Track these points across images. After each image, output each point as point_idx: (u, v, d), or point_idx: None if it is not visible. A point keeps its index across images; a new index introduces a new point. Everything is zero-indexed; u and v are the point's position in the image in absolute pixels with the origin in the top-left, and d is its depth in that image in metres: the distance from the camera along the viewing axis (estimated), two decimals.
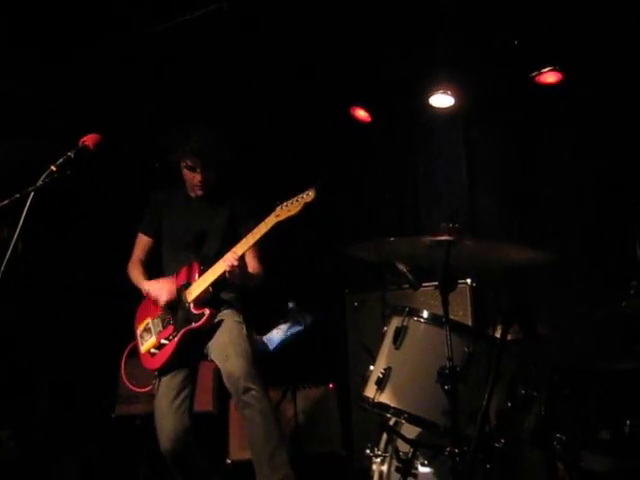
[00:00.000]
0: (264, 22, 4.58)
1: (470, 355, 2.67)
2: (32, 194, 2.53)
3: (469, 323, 4.19)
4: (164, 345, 3.48)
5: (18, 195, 2.54)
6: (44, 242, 4.65)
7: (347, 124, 5.14)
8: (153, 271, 3.75)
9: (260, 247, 3.55)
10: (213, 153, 3.55)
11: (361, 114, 5.14)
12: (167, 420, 3.41)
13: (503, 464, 2.63)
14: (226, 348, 3.40)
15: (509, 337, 2.60)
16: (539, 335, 2.67)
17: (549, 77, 4.66)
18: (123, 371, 3.64)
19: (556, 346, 2.88)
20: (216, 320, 3.48)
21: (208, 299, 3.47)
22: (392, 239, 2.63)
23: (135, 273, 3.71)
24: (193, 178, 3.59)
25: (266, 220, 3.29)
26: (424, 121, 5.17)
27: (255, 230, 3.33)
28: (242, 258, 3.38)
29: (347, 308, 4.72)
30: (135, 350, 3.65)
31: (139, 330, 3.66)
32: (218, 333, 3.46)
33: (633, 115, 4.44)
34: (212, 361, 3.50)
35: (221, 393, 4.69)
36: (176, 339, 3.43)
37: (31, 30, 4.28)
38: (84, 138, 2.74)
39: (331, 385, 4.59)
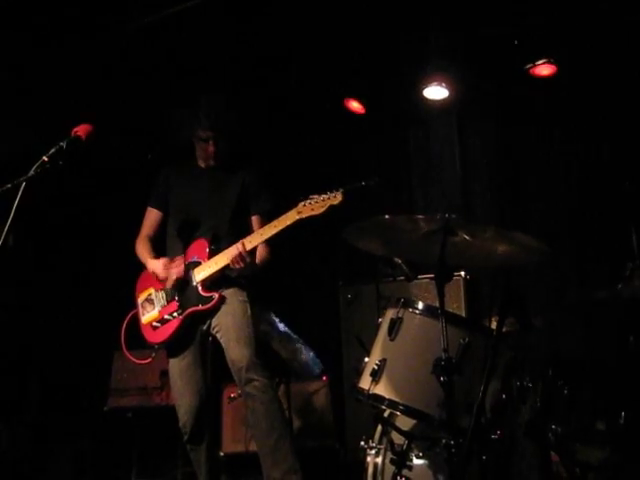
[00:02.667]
0: (258, 13, 4.56)
1: (466, 347, 2.66)
2: (24, 184, 2.50)
3: (463, 315, 4.18)
4: (167, 321, 3.43)
5: (9, 185, 2.51)
6: (36, 234, 4.62)
7: (341, 115, 5.13)
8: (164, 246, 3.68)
9: (265, 224, 3.46)
10: (224, 122, 3.48)
11: (355, 106, 5.13)
12: (184, 400, 3.40)
13: (498, 455, 2.63)
14: (230, 332, 3.35)
15: (504, 329, 2.59)
16: (534, 326, 2.66)
17: (543, 69, 4.66)
18: (123, 341, 3.54)
19: (551, 338, 2.88)
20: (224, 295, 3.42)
21: (216, 280, 3.40)
22: (387, 216, 2.59)
23: (142, 250, 3.62)
24: (206, 149, 3.52)
25: (287, 215, 3.22)
26: (418, 112, 5.17)
27: (273, 223, 3.26)
28: (251, 251, 3.33)
29: (341, 300, 4.71)
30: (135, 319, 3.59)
31: (140, 299, 3.57)
32: (223, 312, 3.39)
33: (624, 103, 4.44)
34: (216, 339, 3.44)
35: (214, 385, 4.69)
36: (181, 317, 3.38)
37: (22, 15, 4.23)
38: (76, 128, 2.72)
39: (324, 377, 4.59)
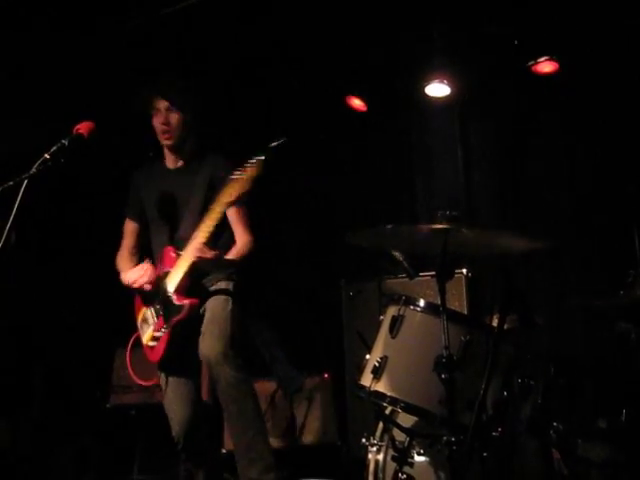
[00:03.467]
0: (259, 10, 4.56)
1: (467, 344, 2.66)
2: (25, 182, 2.50)
3: (465, 312, 4.18)
4: (158, 338, 3.34)
5: (11, 183, 2.51)
6: (39, 231, 4.63)
7: (343, 112, 5.13)
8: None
9: (244, 213, 3.36)
10: (177, 94, 3.37)
11: (357, 103, 5.12)
12: (176, 409, 3.34)
13: (500, 453, 2.63)
14: (205, 326, 3.24)
15: (506, 326, 2.59)
16: (536, 324, 2.66)
17: (545, 66, 4.65)
18: (129, 363, 3.50)
19: (552, 335, 2.88)
20: (209, 290, 3.32)
21: (190, 287, 3.26)
22: (390, 227, 2.60)
23: (120, 263, 3.53)
24: (158, 122, 3.38)
25: (217, 203, 3.08)
26: (420, 109, 5.17)
27: (209, 215, 3.12)
28: (217, 245, 3.22)
29: (343, 297, 4.71)
30: (139, 341, 3.52)
31: (139, 320, 3.51)
32: (206, 312, 3.30)
33: (627, 100, 4.44)
34: None
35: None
36: (167, 331, 3.28)
37: (23, 13, 4.23)
38: (78, 126, 2.72)
39: (326, 375, 4.59)
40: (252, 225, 3.39)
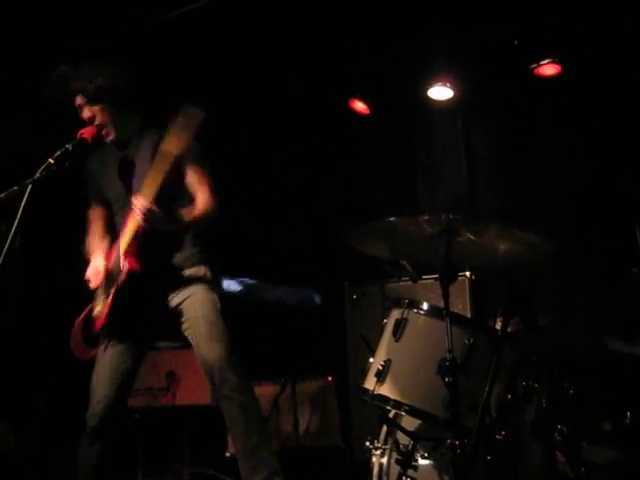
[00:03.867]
0: (263, 13, 4.57)
1: (470, 347, 2.66)
2: (29, 187, 2.51)
3: (468, 315, 4.18)
4: (104, 305, 3.14)
5: (15, 188, 2.52)
6: (44, 238, 4.64)
7: (346, 115, 5.14)
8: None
9: (202, 173, 3.14)
10: (86, 82, 3.10)
11: (360, 106, 5.13)
12: (100, 391, 3.13)
13: (504, 456, 2.63)
14: (199, 327, 3.08)
15: (509, 328, 2.59)
16: (539, 326, 2.66)
17: (548, 69, 4.67)
18: (79, 334, 3.24)
19: (556, 337, 2.88)
20: (185, 274, 3.13)
21: (138, 251, 3.03)
22: (392, 219, 2.59)
23: (90, 248, 3.31)
24: (86, 120, 3.14)
25: (159, 156, 2.86)
26: (423, 112, 5.18)
27: (154, 169, 2.89)
28: (163, 204, 2.94)
29: (346, 301, 4.71)
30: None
31: (96, 295, 3.29)
32: (188, 306, 3.11)
33: (630, 102, 4.44)
34: (183, 331, 3.16)
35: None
36: (110, 297, 3.09)
37: (27, 15, 4.24)
38: (82, 130, 2.73)
39: (330, 378, 4.59)
40: (214, 187, 3.15)
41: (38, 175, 2.55)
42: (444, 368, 2.52)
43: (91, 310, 3.26)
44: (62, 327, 5.01)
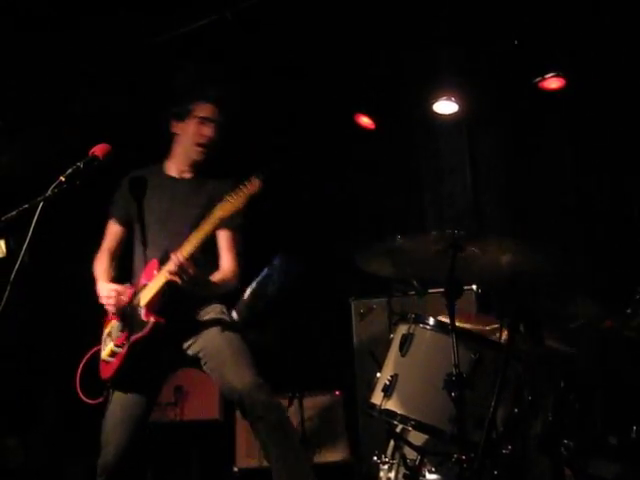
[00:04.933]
0: (267, 30, 4.61)
1: (476, 362, 2.68)
2: (41, 204, 2.54)
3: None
4: (116, 354, 3.08)
5: (27, 205, 2.55)
6: (52, 252, 4.67)
7: (351, 130, 5.17)
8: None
9: (237, 240, 3.16)
10: (229, 112, 3.19)
11: (365, 121, 5.16)
12: (114, 437, 3.10)
13: (510, 470, 2.63)
14: (220, 357, 3.01)
15: (515, 343, 2.60)
16: (544, 341, 2.68)
17: (552, 83, 4.68)
18: (78, 378, 3.22)
19: (562, 352, 2.89)
20: (202, 319, 3.10)
21: (162, 305, 3.03)
22: (398, 238, 2.61)
23: (98, 268, 3.27)
24: (201, 131, 3.19)
25: (210, 218, 2.90)
26: (428, 127, 5.21)
27: (198, 230, 2.93)
28: (192, 263, 2.93)
29: (353, 315, 4.72)
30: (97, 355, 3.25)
31: (104, 334, 3.24)
32: (207, 342, 3.05)
33: (635, 117, 4.45)
34: (205, 371, 3.08)
35: (227, 400, 4.71)
36: (125, 348, 3.03)
37: (33, 30, 4.29)
38: (94, 148, 2.75)
39: (337, 392, 4.59)
40: (242, 255, 3.19)
41: (49, 193, 2.57)
42: (450, 383, 2.54)
43: (97, 352, 3.23)
44: (69, 342, 5.06)
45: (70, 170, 2.63)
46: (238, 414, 4.62)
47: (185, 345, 3.11)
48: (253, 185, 2.82)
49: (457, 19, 4.50)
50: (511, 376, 2.67)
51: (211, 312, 3.15)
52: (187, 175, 3.29)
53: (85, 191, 2.67)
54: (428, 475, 2.79)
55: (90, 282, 5.08)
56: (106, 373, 3.12)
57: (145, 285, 3.08)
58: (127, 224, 3.31)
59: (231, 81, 3.39)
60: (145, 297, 3.04)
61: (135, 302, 3.08)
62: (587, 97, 4.65)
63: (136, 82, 4.71)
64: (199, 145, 3.23)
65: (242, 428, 4.62)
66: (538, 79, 4.68)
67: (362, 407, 4.38)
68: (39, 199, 2.55)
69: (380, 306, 4.47)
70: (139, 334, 3.00)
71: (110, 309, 3.15)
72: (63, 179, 2.61)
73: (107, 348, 3.15)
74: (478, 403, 2.62)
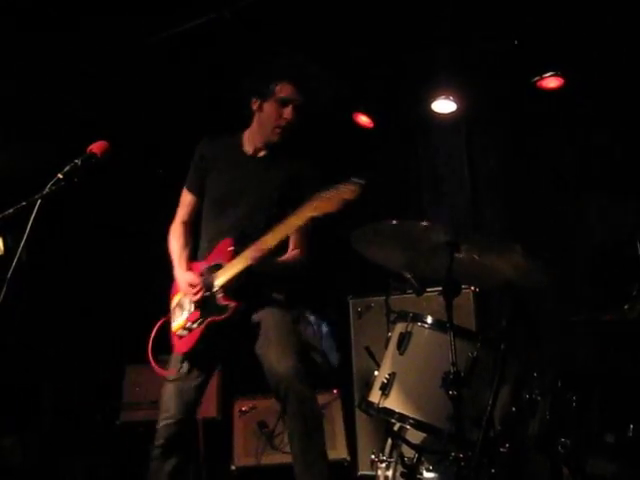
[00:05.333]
0: (266, 29, 4.61)
1: (474, 360, 2.68)
2: (39, 202, 2.53)
3: (473, 328, 4.19)
4: (190, 330, 3.11)
5: (24, 203, 2.54)
6: (49, 250, 4.67)
7: (350, 129, 5.17)
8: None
9: (305, 230, 3.11)
10: (316, 89, 3.15)
11: (363, 120, 5.16)
12: (172, 404, 3.09)
13: (508, 469, 2.64)
14: (269, 340, 3.05)
15: (513, 342, 2.60)
16: (542, 340, 2.68)
17: (551, 82, 4.69)
18: (150, 350, 3.19)
19: (559, 351, 2.89)
20: (258, 305, 3.11)
21: (238, 287, 3.04)
22: (394, 222, 2.61)
23: (173, 246, 3.27)
24: (280, 114, 3.11)
25: (300, 212, 2.86)
26: (426, 126, 5.20)
27: (287, 221, 2.91)
28: (274, 252, 2.99)
29: (351, 313, 4.72)
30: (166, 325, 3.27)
31: (173, 304, 3.25)
32: (265, 324, 3.08)
33: (634, 117, 4.45)
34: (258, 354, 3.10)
35: (225, 399, 4.71)
36: (201, 327, 3.06)
37: (33, 30, 4.28)
38: (91, 145, 2.74)
39: (335, 391, 4.60)
40: (311, 241, 3.20)
41: (47, 190, 2.56)
42: (448, 382, 2.54)
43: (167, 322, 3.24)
44: (67, 342, 5.07)
45: (68, 167, 2.61)
46: (236, 413, 4.64)
47: (251, 319, 3.12)
48: (351, 190, 2.75)
49: (456, 18, 4.50)
50: (509, 375, 2.67)
51: (276, 295, 3.16)
52: (262, 153, 3.23)
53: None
54: (426, 473, 2.80)
55: (89, 282, 5.12)
56: (181, 347, 3.14)
57: (219, 264, 3.08)
58: (199, 195, 3.27)
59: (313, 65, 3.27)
60: (221, 279, 3.04)
61: (209, 281, 3.08)
62: (586, 96, 4.65)
63: (135, 81, 4.72)
64: (278, 127, 3.15)
65: (240, 427, 4.62)
66: (537, 78, 4.68)
67: (360, 405, 4.38)
68: (37, 197, 2.53)
69: (378, 304, 4.47)
70: (218, 317, 3.02)
71: (190, 300, 3.13)
72: (61, 176, 2.60)
73: (179, 321, 3.17)
74: (476, 402, 2.62)
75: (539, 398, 2.72)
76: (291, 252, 3.16)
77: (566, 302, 4.13)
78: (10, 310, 2.48)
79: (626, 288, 2.82)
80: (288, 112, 3.12)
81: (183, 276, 3.18)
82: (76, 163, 2.65)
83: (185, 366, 3.11)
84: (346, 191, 2.76)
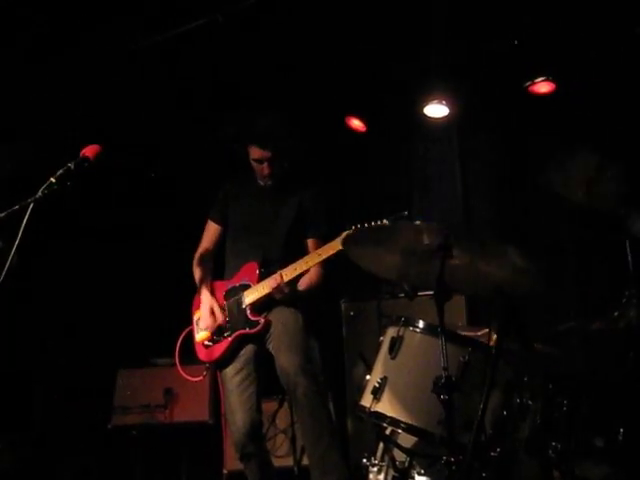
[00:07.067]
0: (259, 32, 4.62)
1: (465, 364, 2.69)
2: (31, 205, 2.53)
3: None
4: (218, 340, 3.44)
5: (17, 207, 2.54)
6: (40, 253, 4.65)
7: (343, 132, 5.18)
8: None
9: (322, 244, 3.41)
10: (282, 143, 3.42)
11: (356, 123, 5.17)
12: (238, 416, 3.35)
13: (499, 473, 2.64)
14: (280, 340, 3.34)
15: (504, 346, 2.61)
16: (533, 344, 2.69)
17: (542, 87, 4.72)
18: (177, 357, 3.57)
19: (550, 355, 2.90)
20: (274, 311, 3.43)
21: (264, 305, 3.42)
22: (386, 222, 2.64)
23: (197, 271, 3.60)
24: (261, 170, 3.47)
25: (330, 245, 3.23)
26: (419, 130, 5.22)
27: (317, 252, 3.30)
28: (293, 281, 3.34)
29: (343, 317, 4.73)
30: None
31: (196, 316, 3.56)
32: (274, 323, 3.39)
33: (624, 120, 4.47)
34: (271, 353, 3.41)
35: (217, 402, 4.71)
36: (230, 339, 3.40)
37: (25, 32, 4.28)
38: (84, 149, 2.74)
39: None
40: (326, 267, 3.46)
41: (40, 194, 2.56)
42: (439, 386, 2.54)
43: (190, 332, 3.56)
44: (58, 346, 5.05)
45: (61, 171, 2.61)
46: (224, 416, 4.63)
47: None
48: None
49: (450, 23, 4.52)
50: (500, 379, 2.68)
51: (283, 306, 3.44)
52: (270, 183, 3.53)
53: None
54: (417, 477, 2.81)
55: (80, 285, 5.10)
56: (207, 356, 3.46)
57: (247, 284, 3.44)
58: (223, 224, 3.64)
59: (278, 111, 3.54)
60: (250, 297, 3.41)
61: (238, 299, 3.44)
62: (577, 100, 4.67)
63: (126, 84, 4.72)
64: (262, 179, 3.52)
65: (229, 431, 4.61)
66: (528, 83, 4.71)
67: (352, 409, 4.38)
68: (29, 200, 2.54)
69: (370, 308, 4.47)
70: (248, 330, 3.38)
71: (209, 324, 3.45)
72: (54, 180, 2.60)
73: (203, 332, 3.47)
74: (467, 406, 2.63)
75: (530, 402, 2.72)
76: (307, 279, 3.44)
77: (556, 307, 4.15)
78: (1, 313, 2.48)
79: (615, 294, 2.84)
80: (264, 168, 3.47)
81: (209, 301, 3.49)
82: (69, 167, 2.65)
83: (210, 371, 3.48)
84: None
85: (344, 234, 3.12)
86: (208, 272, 3.59)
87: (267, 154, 3.42)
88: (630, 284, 2.82)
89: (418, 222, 2.67)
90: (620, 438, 2.52)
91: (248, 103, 4.77)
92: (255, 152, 3.45)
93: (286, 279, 3.30)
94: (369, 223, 3.08)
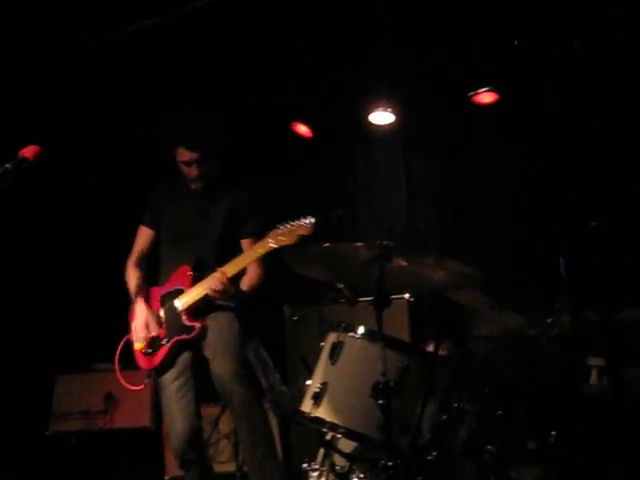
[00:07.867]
0: (207, 39, 4.61)
1: (404, 370, 2.72)
2: None
3: (407, 338, 4.25)
4: (156, 349, 3.38)
5: None
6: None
7: (289, 138, 5.19)
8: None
9: (261, 258, 3.39)
10: (210, 144, 3.39)
11: (302, 129, 5.19)
12: (177, 423, 3.31)
13: (436, 476, 2.69)
14: (215, 346, 3.31)
15: (442, 352, 2.66)
16: (470, 350, 2.75)
17: (485, 97, 4.82)
18: (117, 366, 3.48)
19: (488, 361, 2.97)
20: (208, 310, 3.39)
21: (201, 308, 3.36)
22: (328, 245, 2.67)
23: (131, 278, 3.53)
24: (189, 172, 3.43)
25: (260, 244, 3.22)
26: (365, 137, 5.27)
27: (248, 252, 3.29)
28: (230, 280, 3.28)
29: (286, 322, 4.73)
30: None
31: (132, 326, 3.48)
32: (210, 329, 3.36)
33: (566, 130, 4.60)
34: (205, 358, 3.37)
35: (158, 407, 4.65)
36: (167, 345, 3.36)
37: None
38: (23, 150, 2.68)
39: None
40: (265, 265, 3.45)
41: None
42: (377, 391, 2.57)
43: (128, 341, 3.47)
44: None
45: None
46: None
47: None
48: (307, 227, 3.12)
49: (396, 33, 4.59)
50: (438, 384, 2.72)
51: (219, 312, 3.42)
52: (201, 186, 3.49)
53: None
54: None
55: (17, 289, 4.98)
56: (148, 364, 3.39)
57: (180, 289, 3.38)
58: (156, 229, 3.58)
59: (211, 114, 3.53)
60: (185, 302, 3.35)
61: (171, 305, 3.38)
62: (519, 111, 4.78)
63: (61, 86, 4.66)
64: (192, 181, 3.47)
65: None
66: (472, 93, 4.81)
67: (293, 414, 4.38)
68: None
69: (313, 313, 4.48)
70: (185, 336, 3.34)
71: (140, 337, 3.38)
72: None
73: (140, 344, 3.40)
74: (405, 411, 2.66)
75: (467, 407, 2.78)
76: (248, 280, 3.42)
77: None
78: None
79: (551, 301, 2.92)
80: (192, 170, 3.42)
81: (143, 312, 3.41)
82: (6, 167, 2.59)
83: (152, 380, 3.42)
84: (302, 227, 3.13)
85: (272, 234, 3.16)
86: (142, 279, 3.53)
87: (195, 155, 3.37)
88: (562, 293, 2.91)
89: (354, 244, 2.71)
90: (552, 440, 2.59)
91: (188, 106, 4.76)
92: (183, 154, 3.39)
93: (229, 275, 3.25)
94: (297, 220, 3.11)
